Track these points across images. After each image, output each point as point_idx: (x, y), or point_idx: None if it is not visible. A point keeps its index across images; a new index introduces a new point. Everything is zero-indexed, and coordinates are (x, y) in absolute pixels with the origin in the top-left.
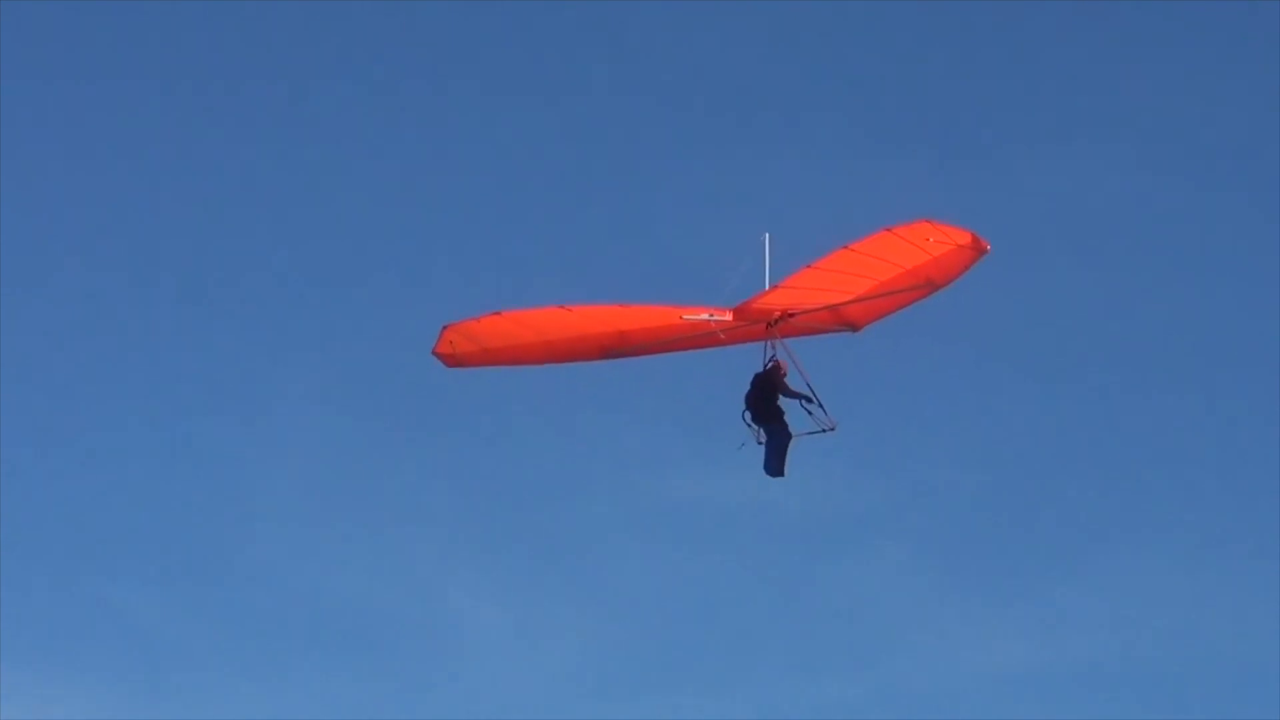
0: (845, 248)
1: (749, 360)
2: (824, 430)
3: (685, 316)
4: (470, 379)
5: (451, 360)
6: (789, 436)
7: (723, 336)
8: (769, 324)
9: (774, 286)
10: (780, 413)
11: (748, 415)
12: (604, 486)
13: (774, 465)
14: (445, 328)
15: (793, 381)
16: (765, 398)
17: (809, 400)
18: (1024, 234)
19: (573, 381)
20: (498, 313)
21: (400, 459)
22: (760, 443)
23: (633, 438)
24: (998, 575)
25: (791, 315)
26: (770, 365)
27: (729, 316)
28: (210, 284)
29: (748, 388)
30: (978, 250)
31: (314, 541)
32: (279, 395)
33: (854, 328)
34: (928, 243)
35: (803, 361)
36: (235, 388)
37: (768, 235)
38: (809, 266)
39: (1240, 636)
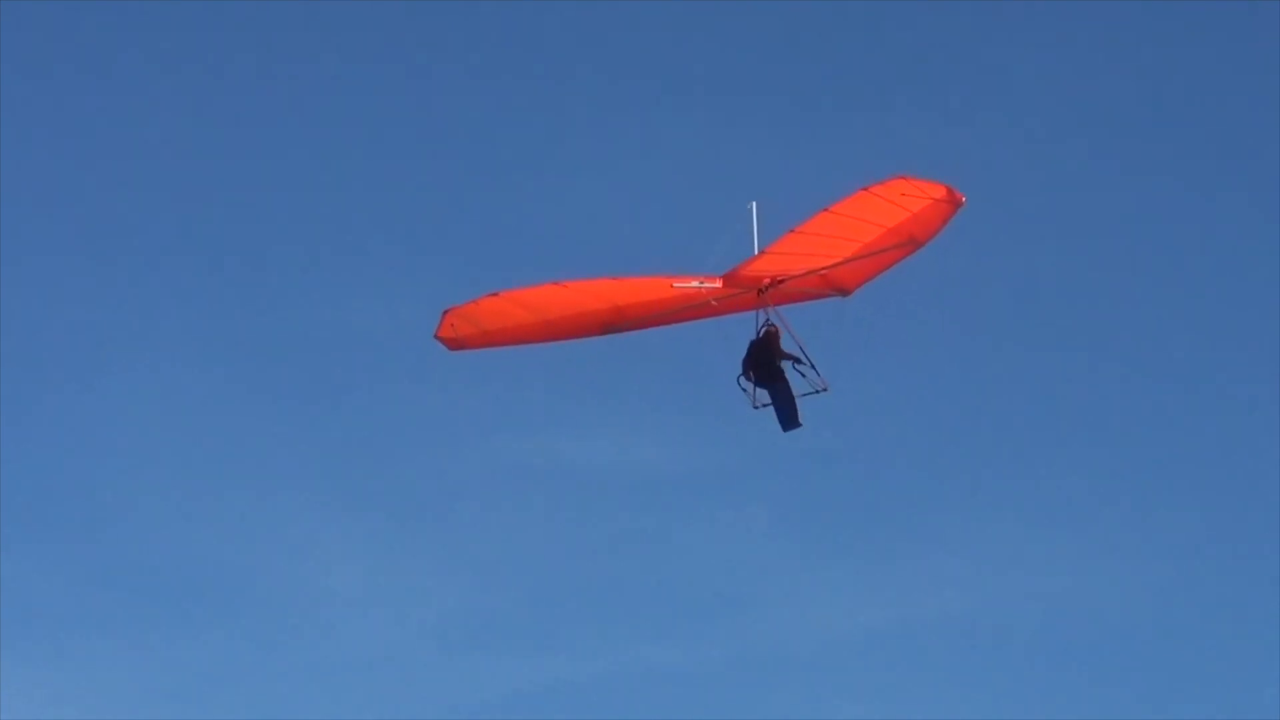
0: (826, 210)
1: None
2: (817, 391)
3: (676, 285)
4: (329, 339)
5: (454, 344)
6: (790, 390)
7: (715, 304)
8: (760, 291)
9: (761, 253)
10: (780, 372)
11: (743, 380)
12: (467, 446)
13: (789, 420)
14: (446, 312)
15: (786, 346)
16: (764, 362)
17: (800, 362)
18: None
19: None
20: (495, 293)
21: (265, 418)
22: (756, 407)
23: (496, 398)
24: (856, 537)
25: (781, 281)
26: (765, 332)
27: (719, 284)
28: (86, 241)
29: (744, 354)
30: (953, 203)
31: (178, 500)
32: (147, 355)
33: (844, 292)
34: (904, 198)
35: (794, 326)
36: (102, 346)
37: (754, 203)
38: (793, 231)
39: (1091, 599)
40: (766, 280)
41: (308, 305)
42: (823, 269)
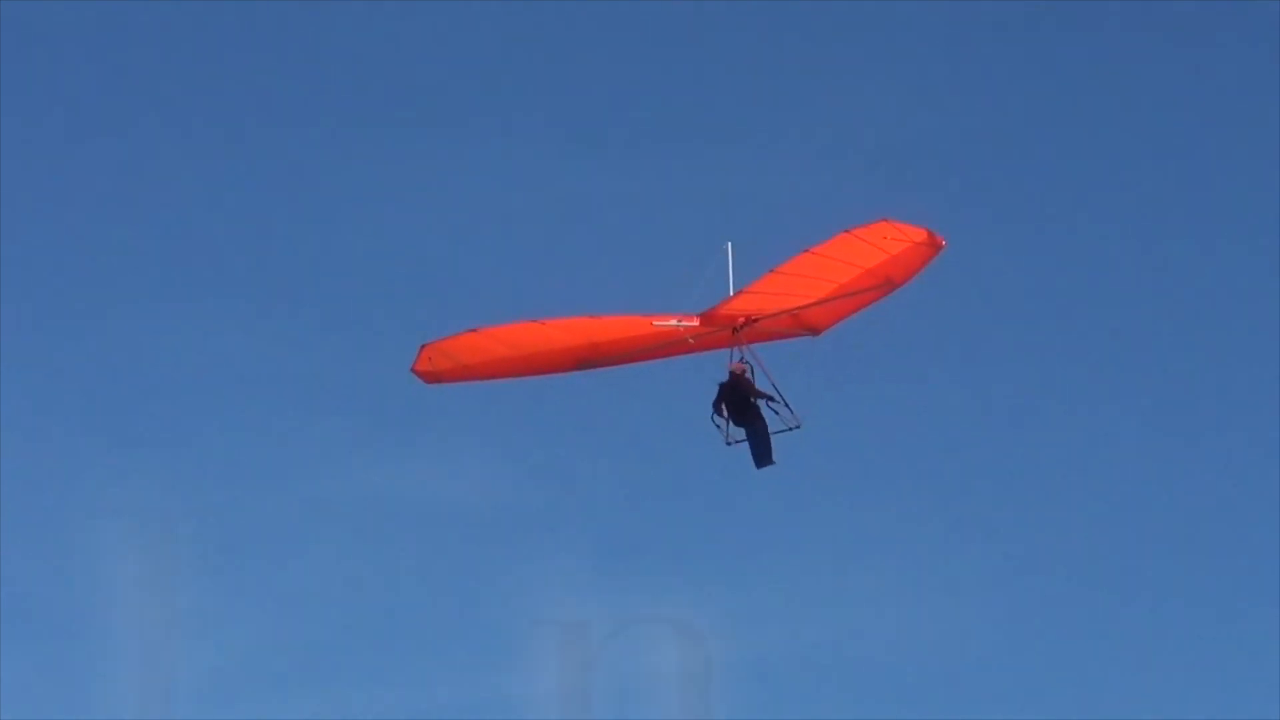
0: (807, 251)
1: None
2: (790, 429)
3: (656, 324)
4: (145, 368)
5: (430, 377)
6: (766, 428)
7: (692, 342)
8: (734, 329)
9: (739, 292)
10: (757, 411)
11: (716, 418)
12: (281, 478)
13: (763, 458)
14: (423, 346)
15: (758, 384)
16: (738, 402)
17: (773, 401)
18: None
19: (252, 371)
20: (474, 330)
21: (78, 448)
22: (728, 444)
23: (310, 429)
24: (667, 574)
25: (755, 321)
26: (735, 372)
27: (696, 323)
28: None
29: (715, 395)
30: (934, 246)
31: None
32: None
33: (814, 332)
34: (885, 241)
35: (766, 364)
36: None
37: (730, 244)
38: (772, 271)
39: (906, 634)
40: (741, 320)
41: (124, 333)
42: (796, 309)
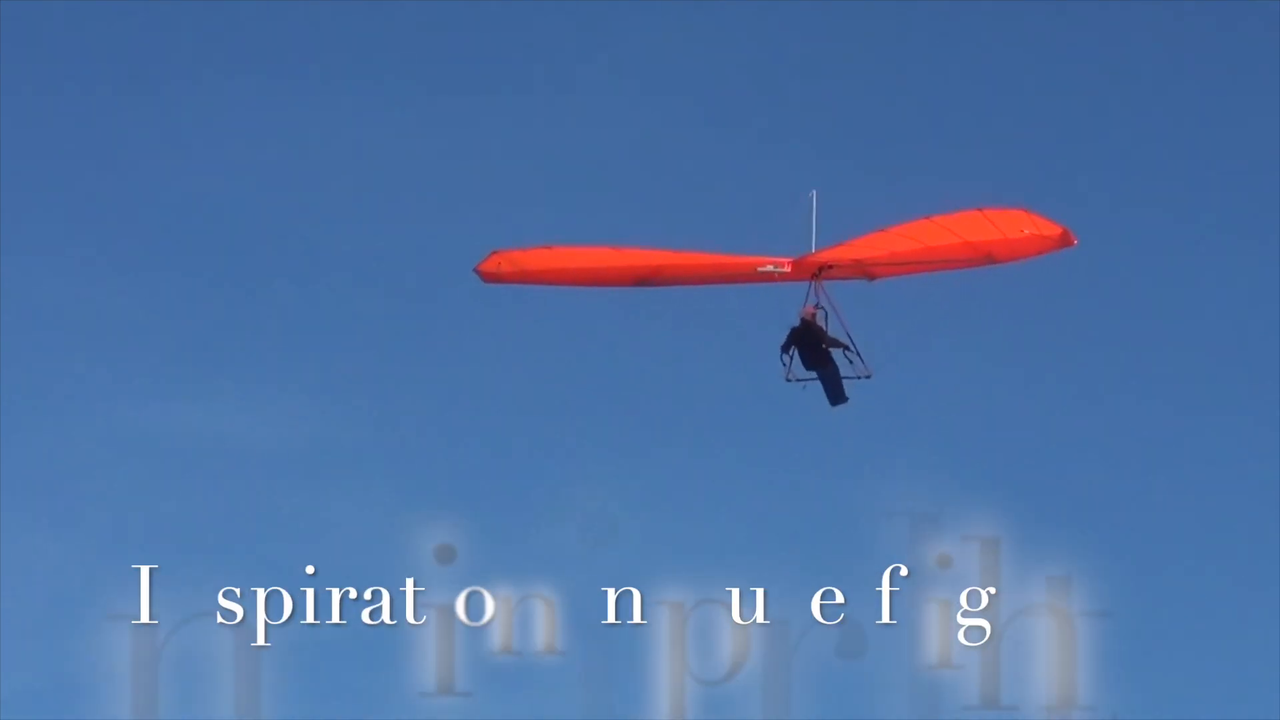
0: (928, 217)
1: None
2: (860, 377)
3: (760, 270)
4: None
5: (490, 277)
6: (838, 370)
7: (777, 278)
8: (814, 274)
9: (843, 243)
10: (828, 356)
11: (784, 356)
12: (71, 416)
13: (837, 397)
14: (495, 252)
15: (833, 331)
16: (811, 346)
17: (847, 349)
18: None
19: (40, 307)
20: (548, 246)
21: None
22: (788, 380)
23: (104, 365)
24: (461, 509)
25: (832, 267)
26: (806, 317)
27: (788, 267)
28: None
29: (784, 338)
30: (1063, 243)
31: None
32: None
33: (870, 276)
34: (1008, 225)
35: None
36: None
37: (815, 192)
38: (883, 230)
39: None
40: (818, 266)
41: None
42: (872, 260)
